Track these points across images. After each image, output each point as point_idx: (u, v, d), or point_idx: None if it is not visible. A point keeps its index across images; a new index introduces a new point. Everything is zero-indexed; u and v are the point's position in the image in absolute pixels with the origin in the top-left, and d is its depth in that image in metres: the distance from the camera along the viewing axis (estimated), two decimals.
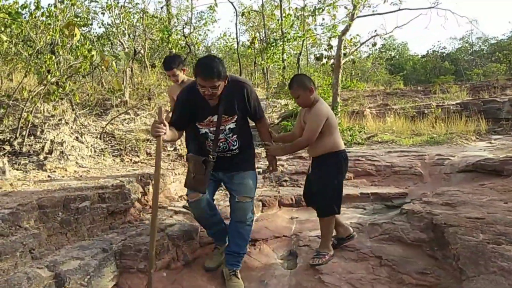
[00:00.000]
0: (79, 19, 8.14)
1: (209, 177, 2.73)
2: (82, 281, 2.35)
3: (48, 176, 3.96)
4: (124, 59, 6.22)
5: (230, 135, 2.76)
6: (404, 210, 3.64)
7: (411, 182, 5.02)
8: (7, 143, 4.80)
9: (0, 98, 5.38)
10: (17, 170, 4.15)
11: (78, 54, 4.81)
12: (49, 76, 4.53)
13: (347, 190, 4.69)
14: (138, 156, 5.68)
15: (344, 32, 7.10)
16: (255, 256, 3.37)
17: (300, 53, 14.01)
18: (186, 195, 2.84)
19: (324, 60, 13.55)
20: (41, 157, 4.59)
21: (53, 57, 4.42)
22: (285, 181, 5.18)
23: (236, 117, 2.72)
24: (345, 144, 6.84)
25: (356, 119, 9.39)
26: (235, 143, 2.81)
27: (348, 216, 4.10)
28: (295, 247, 3.49)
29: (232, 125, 2.73)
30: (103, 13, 9.13)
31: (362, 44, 9.01)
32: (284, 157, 5.86)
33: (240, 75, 10.46)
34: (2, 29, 4.77)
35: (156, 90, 8.88)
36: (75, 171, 4.42)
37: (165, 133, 2.40)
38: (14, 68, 5.47)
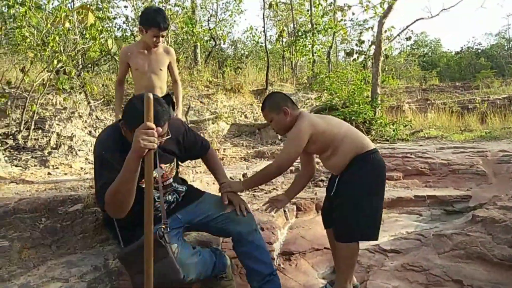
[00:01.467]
0: (100, 12, 7.69)
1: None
2: None
3: (48, 174, 3.42)
4: None
5: (175, 185, 2.22)
6: (478, 218, 2.87)
7: (473, 183, 4.21)
8: (11, 137, 4.31)
9: (10, 89, 4.92)
10: (16, 166, 3.64)
11: (88, 36, 4.28)
12: (54, 61, 4.01)
13: (397, 192, 3.95)
14: None
15: (385, 14, 6.33)
16: (291, 274, 2.69)
17: (330, 47, 13.22)
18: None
19: (355, 56, 12.78)
20: (46, 152, 4.07)
21: (57, 38, 3.89)
22: (322, 181, 4.47)
23: (175, 160, 2.21)
24: (387, 140, 6.11)
25: (395, 115, 8.62)
26: (182, 186, 2.28)
27: (402, 223, 3.37)
28: None
29: (174, 173, 2.21)
30: (126, 7, 8.65)
31: (404, 30, 8.18)
32: None
33: (268, 70, 9.80)
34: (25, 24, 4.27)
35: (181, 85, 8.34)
36: (81, 168, 3.87)
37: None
38: (25, 57, 5.01)
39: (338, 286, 2.29)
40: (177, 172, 2.28)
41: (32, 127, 4.47)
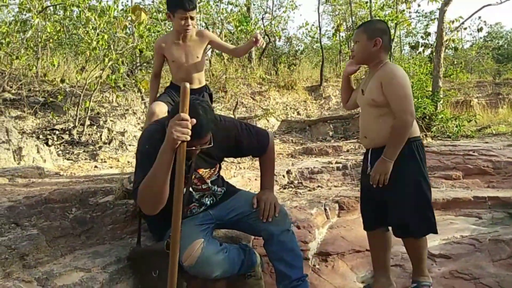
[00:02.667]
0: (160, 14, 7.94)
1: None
2: None
3: (95, 167, 3.56)
4: None
5: (214, 188, 2.13)
6: None
7: None
8: (67, 132, 4.56)
9: (69, 87, 5.23)
10: (68, 159, 3.83)
11: (136, 34, 4.41)
12: (106, 59, 4.17)
13: (455, 192, 3.61)
14: None
15: (447, 2, 5.85)
16: (326, 275, 2.53)
17: (392, 40, 12.57)
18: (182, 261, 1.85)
19: (420, 49, 12.03)
20: (97, 146, 4.25)
21: (105, 36, 4.04)
22: None
23: (218, 165, 2.15)
24: (449, 137, 5.64)
25: (461, 110, 7.97)
26: (221, 189, 2.20)
27: (457, 227, 3.05)
28: None
29: (214, 177, 2.12)
30: None
31: (469, 17, 7.53)
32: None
33: (322, 65, 9.54)
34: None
35: (233, 82, 8.38)
36: (128, 162, 3.98)
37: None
38: (83, 57, 5.30)
39: (419, 272, 2.14)
40: (218, 174, 2.20)
41: (87, 123, 4.71)
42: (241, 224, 2.16)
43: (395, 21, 10.68)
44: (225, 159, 4.17)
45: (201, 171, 2.04)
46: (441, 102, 5.94)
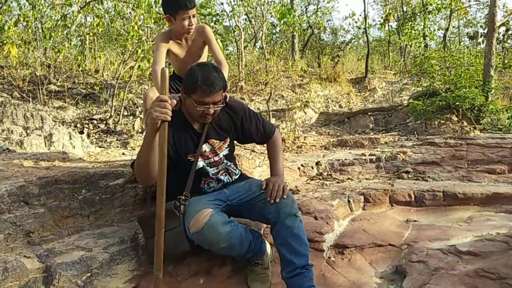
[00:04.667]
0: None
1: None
2: (77, 279, 1.78)
3: (123, 153, 3.64)
4: (223, 32, 5.78)
5: (228, 163, 2.21)
6: None
7: None
8: (104, 122, 4.73)
9: (107, 80, 5.43)
10: (100, 147, 3.96)
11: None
12: (139, 51, 4.26)
13: (496, 187, 3.30)
14: None
15: None
16: (341, 269, 2.40)
17: (446, 29, 11.89)
18: (189, 228, 1.88)
19: (480, 39, 11.24)
20: (129, 135, 4.37)
21: (136, 26, 4.13)
22: (407, 172, 3.97)
23: (229, 140, 2.19)
24: (500, 130, 5.19)
25: None
26: (236, 171, 2.27)
27: (495, 223, 2.77)
28: (404, 262, 2.40)
29: (226, 151, 2.18)
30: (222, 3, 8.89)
31: None
32: (410, 143, 4.62)
33: (367, 57, 9.18)
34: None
35: (274, 75, 8.30)
36: None
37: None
38: (120, 51, 5.48)
39: None
40: (232, 153, 2.26)
41: (124, 113, 4.86)
42: (250, 207, 2.13)
43: (448, 9, 10.06)
44: (249, 147, 4.14)
45: (212, 141, 2.10)
46: (493, 92, 5.47)
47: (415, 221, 2.97)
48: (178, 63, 2.79)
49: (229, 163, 2.21)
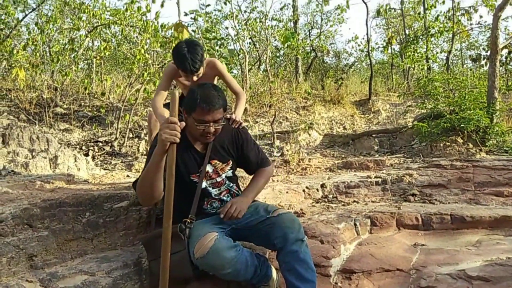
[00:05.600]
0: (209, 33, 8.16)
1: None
2: None
3: (127, 176, 3.63)
4: (228, 56, 5.87)
5: (231, 185, 2.22)
6: None
7: None
8: (109, 144, 4.75)
9: (113, 102, 5.48)
10: (105, 169, 3.96)
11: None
12: (145, 74, 4.31)
13: (505, 210, 3.25)
14: None
15: (502, 6, 5.42)
16: None
17: (449, 52, 11.99)
18: (193, 253, 1.85)
19: (483, 61, 11.31)
20: (134, 157, 4.37)
21: (142, 50, 4.19)
22: (413, 195, 3.92)
23: (231, 162, 2.20)
24: (506, 152, 5.15)
25: None
26: (239, 193, 2.28)
27: (505, 247, 2.71)
28: (412, 287, 2.35)
29: (229, 173, 2.20)
30: (227, 28, 9.04)
31: None
32: (415, 165, 4.59)
33: (371, 79, 9.24)
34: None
35: (278, 97, 8.35)
36: None
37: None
38: (127, 74, 5.56)
39: None
40: (234, 175, 2.26)
41: (129, 135, 4.88)
42: (255, 232, 2.12)
43: (450, 32, 10.16)
44: None
45: (215, 162, 2.12)
46: (498, 114, 5.46)
47: (423, 245, 2.92)
48: (186, 91, 2.82)
49: (231, 185, 2.22)
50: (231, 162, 2.21)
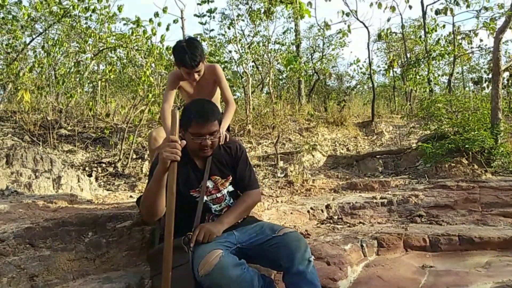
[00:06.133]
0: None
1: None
2: None
3: (130, 196, 3.60)
4: (232, 78, 5.91)
5: (232, 201, 2.20)
6: None
7: None
8: (113, 165, 4.74)
9: (117, 124, 5.49)
10: (108, 190, 3.94)
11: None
12: (149, 95, 4.34)
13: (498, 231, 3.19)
14: None
15: (502, 29, 5.48)
16: None
17: (451, 75, 12.09)
18: (198, 270, 1.79)
19: (485, 84, 11.38)
20: (137, 178, 4.35)
21: (148, 72, 4.23)
22: (420, 216, 3.87)
23: (231, 178, 2.21)
24: (511, 173, 5.11)
25: None
26: None
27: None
28: None
29: (230, 188, 2.20)
30: (230, 51, 9.19)
31: None
32: (421, 186, 4.54)
33: (373, 101, 9.28)
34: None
35: (281, 119, 8.37)
36: None
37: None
38: (132, 96, 5.60)
39: None
40: (236, 191, 2.25)
41: (132, 156, 4.87)
42: (261, 252, 2.06)
43: (451, 55, 10.26)
44: None
45: (214, 177, 2.14)
46: (502, 135, 5.45)
47: (431, 266, 2.86)
48: (189, 100, 2.84)
49: (232, 201, 2.19)
50: (230, 178, 2.21)
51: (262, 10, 9.08)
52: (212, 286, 1.79)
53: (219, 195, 2.15)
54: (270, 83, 8.96)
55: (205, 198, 2.09)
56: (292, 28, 10.23)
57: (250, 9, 8.90)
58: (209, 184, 2.12)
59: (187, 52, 2.48)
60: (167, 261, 1.57)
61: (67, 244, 2.05)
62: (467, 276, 2.60)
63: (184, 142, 1.83)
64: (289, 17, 10.12)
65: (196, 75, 2.61)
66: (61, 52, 5.39)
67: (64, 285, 1.90)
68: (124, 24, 7.36)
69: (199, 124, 1.94)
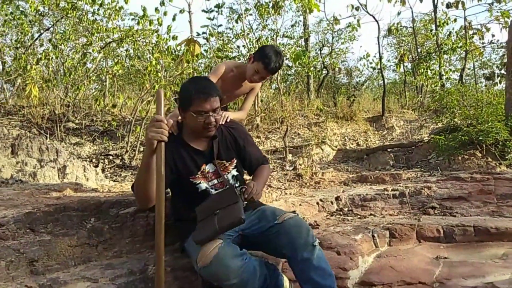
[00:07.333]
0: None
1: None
2: None
3: None
4: None
5: (236, 185, 2.08)
6: None
7: None
8: (120, 157, 4.70)
9: (123, 116, 5.46)
10: (114, 181, 3.89)
11: (184, 59, 4.53)
12: (156, 86, 4.29)
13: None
14: None
15: None
16: None
17: (462, 69, 11.88)
18: (196, 262, 1.74)
19: (497, 80, 11.17)
20: None
21: (154, 62, 4.18)
22: (433, 208, 3.76)
23: (235, 160, 2.14)
24: None
25: None
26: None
27: None
28: None
29: (234, 172, 2.13)
30: (238, 46, 9.11)
31: None
32: (434, 178, 4.42)
33: (384, 96, 9.14)
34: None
35: (290, 114, 8.28)
36: None
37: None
38: (139, 88, 5.57)
39: None
40: (242, 175, 2.19)
41: (139, 148, 4.83)
42: (264, 240, 1.98)
43: (463, 49, 10.06)
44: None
45: (217, 161, 2.05)
46: None
47: (445, 258, 2.75)
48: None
49: (237, 185, 2.09)
50: (235, 160, 2.14)
51: (271, 4, 8.98)
52: (212, 278, 1.71)
53: (220, 180, 2.06)
54: (279, 78, 8.86)
55: (205, 184, 2.01)
56: (300, 21, 10.11)
57: (258, 3, 8.79)
58: (210, 168, 2.04)
59: (278, 58, 2.52)
60: (159, 250, 1.49)
61: (69, 229, 1.99)
62: (483, 267, 2.50)
63: (171, 121, 1.76)
64: (298, 11, 10.00)
65: (258, 81, 2.64)
66: (68, 46, 5.37)
67: (65, 270, 1.84)
68: (132, 19, 7.33)
69: (201, 100, 1.86)
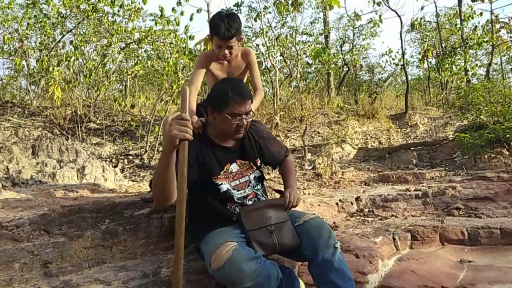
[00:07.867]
0: None
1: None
2: None
3: None
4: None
5: (258, 187, 2.09)
6: None
7: None
8: (139, 157, 4.73)
9: (143, 116, 5.50)
10: (133, 181, 3.92)
11: None
12: (174, 86, 4.30)
13: None
14: None
15: None
16: None
17: (489, 64, 11.49)
18: (210, 264, 1.71)
19: None
20: None
21: (171, 62, 4.18)
22: (457, 209, 3.62)
23: (259, 161, 2.12)
24: None
25: None
26: (266, 196, 2.16)
27: None
28: None
29: (257, 173, 2.09)
30: (257, 45, 9.06)
31: None
32: (458, 178, 4.27)
33: (407, 92, 8.92)
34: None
35: (309, 113, 8.19)
36: None
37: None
38: (158, 88, 5.60)
39: None
40: (262, 176, 2.14)
41: (158, 148, 4.85)
42: None
43: (489, 43, 9.71)
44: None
45: (240, 161, 2.05)
46: None
47: (470, 261, 2.65)
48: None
49: (257, 187, 2.07)
50: (258, 160, 2.11)
51: (290, 2, 8.90)
52: (225, 281, 1.67)
53: (242, 180, 2.03)
54: (298, 76, 8.77)
55: (227, 185, 1.97)
56: (320, 18, 9.97)
57: (278, 1, 8.72)
58: (233, 168, 2.01)
59: (224, 21, 2.29)
60: (178, 250, 1.45)
61: (83, 231, 1.99)
62: (510, 272, 2.38)
63: (196, 119, 1.74)
64: (317, 7, 9.87)
65: (227, 51, 2.40)
66: (88, 47, 5.46)
67: (79, 272, 1.85)
68: (152, 19, 7.36)
69: (238, 103, 1.84)
